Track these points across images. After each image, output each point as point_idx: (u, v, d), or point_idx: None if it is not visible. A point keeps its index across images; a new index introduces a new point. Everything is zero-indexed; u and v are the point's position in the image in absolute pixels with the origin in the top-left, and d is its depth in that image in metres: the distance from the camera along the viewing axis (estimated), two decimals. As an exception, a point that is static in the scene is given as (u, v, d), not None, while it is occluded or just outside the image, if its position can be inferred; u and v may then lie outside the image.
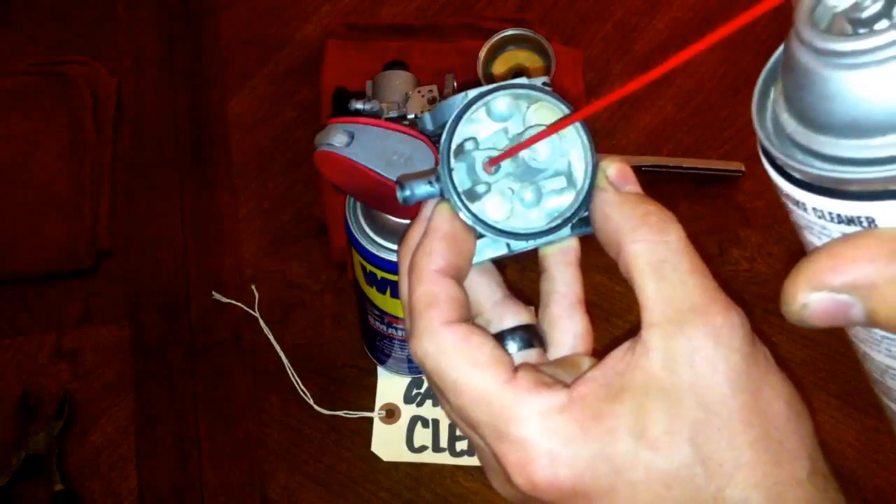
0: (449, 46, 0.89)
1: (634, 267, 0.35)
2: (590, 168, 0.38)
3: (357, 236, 0.60)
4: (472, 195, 0.38)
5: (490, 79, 0.84)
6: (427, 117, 0.40)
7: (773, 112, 0.31)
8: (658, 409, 0.34)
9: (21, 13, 0.94)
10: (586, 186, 0.38)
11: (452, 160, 0.38)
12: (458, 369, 0.36)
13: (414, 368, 0.75)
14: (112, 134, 0.87)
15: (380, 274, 0.62)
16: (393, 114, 0.76)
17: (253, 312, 0.79)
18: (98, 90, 0.88)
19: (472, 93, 0.38)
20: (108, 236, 0.82)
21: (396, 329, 0.68)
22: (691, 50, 0.29)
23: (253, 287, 0.80)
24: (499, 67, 0.85)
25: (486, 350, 0.36)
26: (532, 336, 0.40)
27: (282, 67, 0.91)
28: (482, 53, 0.83)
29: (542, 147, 0.37)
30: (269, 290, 0.80)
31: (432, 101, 0.75)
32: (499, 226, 0.38)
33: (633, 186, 0.38)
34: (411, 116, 0.75)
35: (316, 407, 0.75)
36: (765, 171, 0.31)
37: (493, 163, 0.38)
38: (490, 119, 0.39)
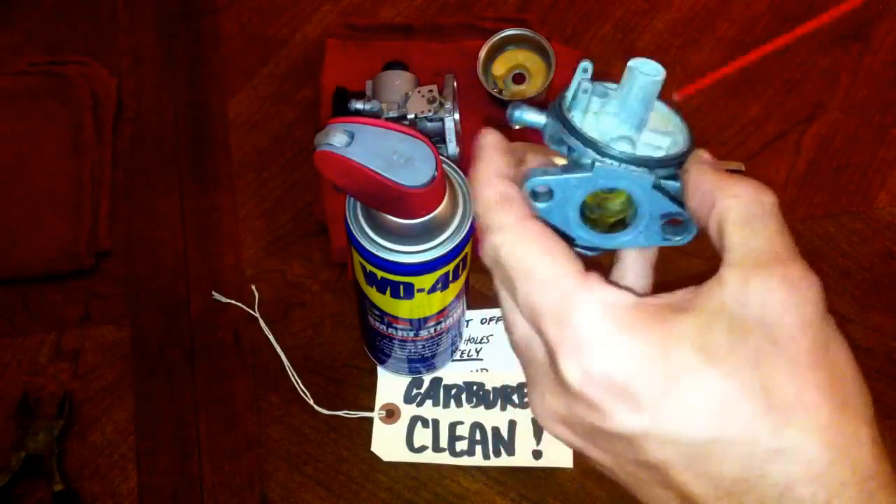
0: (449, 46, 0.89)
1: (725, 219, 0.35)
2: (686, 140, 0.39)
3: (357, 236, 0.60)
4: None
5: (494, 81, 0.84)
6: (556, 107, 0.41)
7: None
8: (723, 330, 0.33)
9: (21, 13, 0.94)
10: (685, 148, 0.39)
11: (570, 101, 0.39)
12: (534, 256, 0.36)
13: (414, 368, 0.75)
14: (112, 134, 0.87)
15: (380, 274, 0.62)
16: (393, 114, 0.76)
17: (253, 312, 0.79)
18: (98, 90, 0.88)
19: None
20: (108, 236, 0.82)
21: (396, 329, 0.68)
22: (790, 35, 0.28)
23: (253, 287, 0.80)
24: (499, 67, 0.85)
25: (562, 245, 0.37)
26: None
27: (282, 67, 0.91)
28: (482, 53, 0.83)
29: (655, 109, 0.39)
30: (269, 290, 0.80)
31: (432, 101, 0.75)
32: (594, 139, 0.38)
33: None
34: (411, 116, 0.75)
35: (316, 407, 0.75)
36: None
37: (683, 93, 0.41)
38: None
